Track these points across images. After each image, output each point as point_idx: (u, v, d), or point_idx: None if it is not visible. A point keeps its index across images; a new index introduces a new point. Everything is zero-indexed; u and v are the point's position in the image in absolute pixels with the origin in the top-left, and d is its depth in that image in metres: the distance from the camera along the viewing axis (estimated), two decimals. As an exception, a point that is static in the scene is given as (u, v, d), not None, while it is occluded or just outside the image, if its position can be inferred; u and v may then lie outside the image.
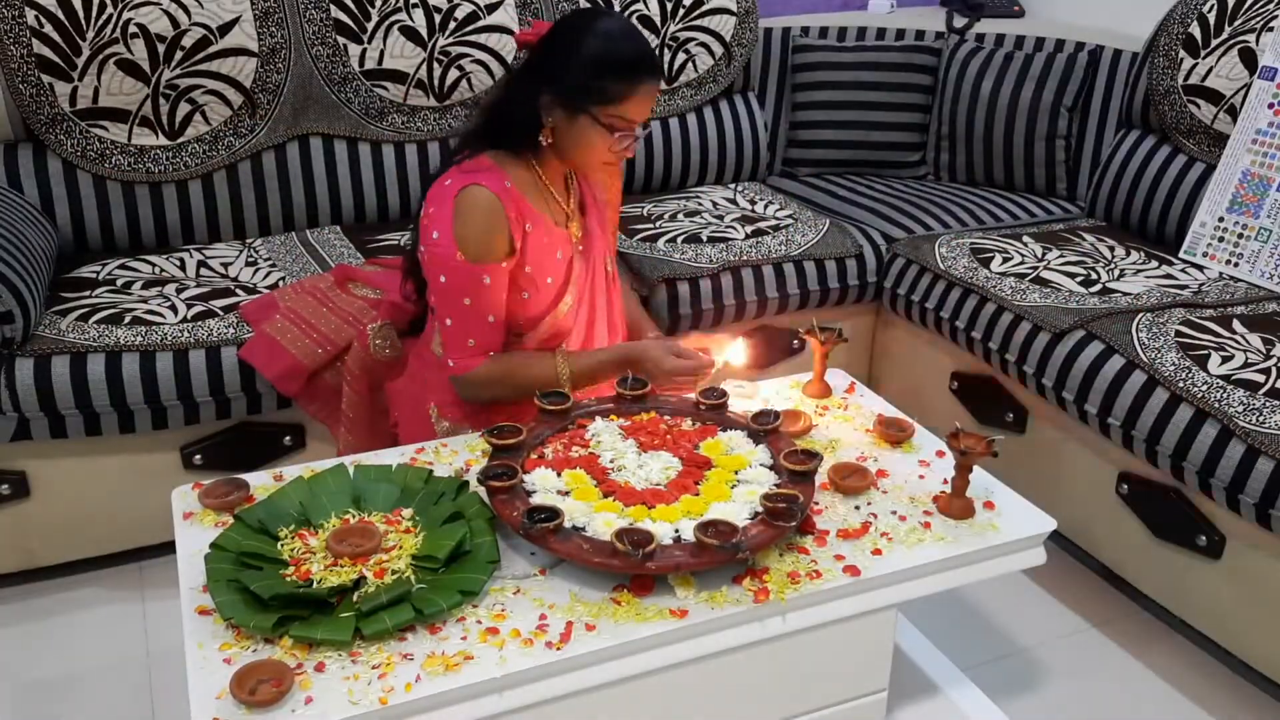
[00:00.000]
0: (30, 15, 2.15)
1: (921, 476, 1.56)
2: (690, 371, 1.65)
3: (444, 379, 1.75)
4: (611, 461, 1.49)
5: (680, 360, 1.65)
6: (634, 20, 2.67)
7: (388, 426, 1.91)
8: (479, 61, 2.53)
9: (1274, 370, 1.86)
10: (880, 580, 1.36)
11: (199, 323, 1.99)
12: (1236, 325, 2.04)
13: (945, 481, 1.53)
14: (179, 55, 2.26)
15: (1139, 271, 2.30)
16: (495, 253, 1.59)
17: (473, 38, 2.51)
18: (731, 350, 1.69)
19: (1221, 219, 2.34)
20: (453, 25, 2.48)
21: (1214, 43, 2.43)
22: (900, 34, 2.98)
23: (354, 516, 1.37)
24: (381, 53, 2.44)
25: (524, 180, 1.65)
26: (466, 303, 1.59)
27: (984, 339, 2.20)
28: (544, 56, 1.60)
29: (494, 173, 1.61)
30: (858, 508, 1.47)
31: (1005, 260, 2.35)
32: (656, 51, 1.62)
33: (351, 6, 2.41)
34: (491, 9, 2.52)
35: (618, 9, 2.65)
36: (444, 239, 1.57)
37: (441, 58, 2.49)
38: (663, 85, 2.74)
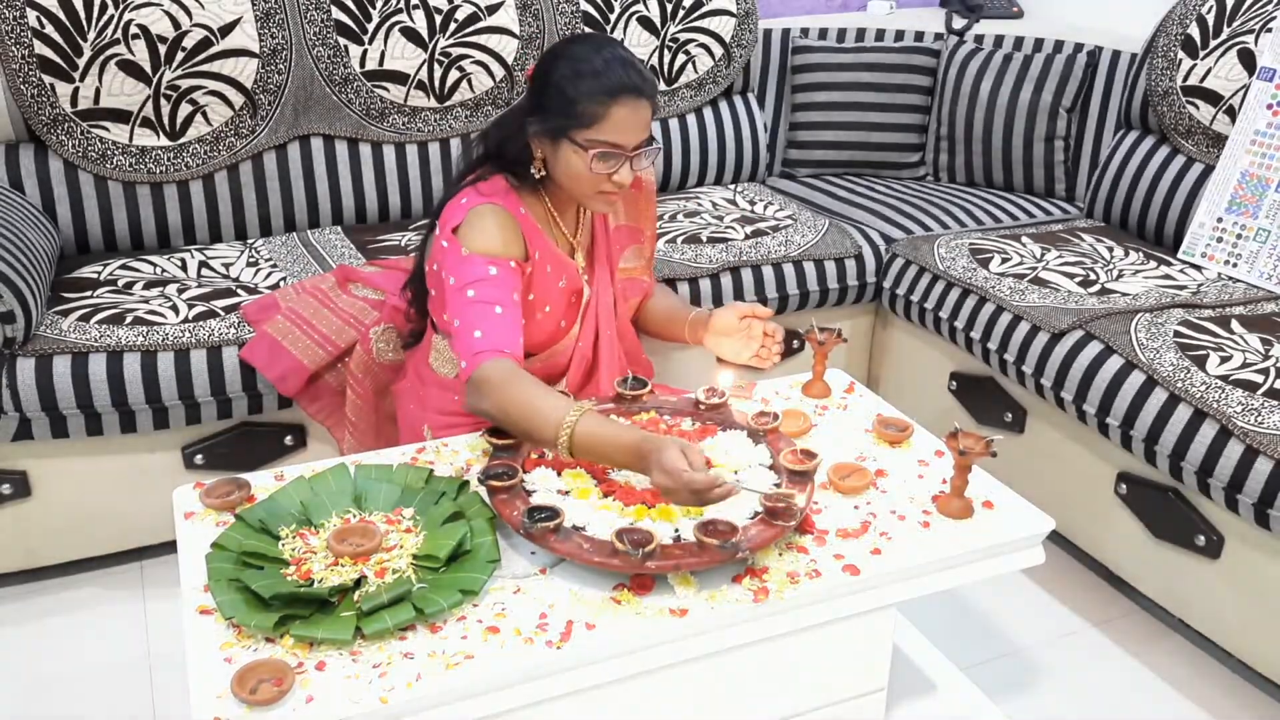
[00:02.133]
0: (31, 16, 2.15)
1: (920, 476, 1.56)
2: (697, 498, 1.31)
3: (439, 398, 1.74)
4: (612, 461, 1.49)
5: (686, 487, 1.29)
6: (634, 20, 2.67)
7: (394, 431, 1.91)
8: (480, 63, 2.53)
9: (1272, 370, 1.87)
10: (879, 580, 1.36)
11: (200, 323, 1.99)
12: (1235, 325, 2.05)
13: (944, 481, 1.53)
14: (180, 56, 2.26)
15: (1137, 272, 2.31)
16: (504, 249, 1.54)
17: (474, 39, 2.51)
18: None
19: (1220, 219, 2.34)
20: (453, 26, 2.49)
21: (1213, 44, 2.43)
22: (900, 35, 2.98)
23: (355, 516, 1.37)
24: (382, 54, 2.45)
25: (534, 209, 1.64)
26: (470, 295, 1.49)
27: (983, 339, 2.21)
28: (532, 88, 1.58)
29: (510, 196, 1.60)
30: (857, 507, 1.48)
31: (1004, 261, 2.35)
32: (645, 69, 1.53)
33: (352, 7, 2.41)
34: (492, 10, 2.52)
35: (618, 11, 2.65)
36: (451, 243, 1.56)
37: (442, 59, 2.49)
38: (662, 86, 2.74)
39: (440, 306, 1.65)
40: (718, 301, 2.32)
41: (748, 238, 2.46)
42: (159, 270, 2.22)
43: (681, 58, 2.75)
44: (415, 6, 2.45)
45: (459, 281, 1.52)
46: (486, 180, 1.63)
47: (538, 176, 1.60)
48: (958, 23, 3.03)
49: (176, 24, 2.25)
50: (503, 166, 1.64)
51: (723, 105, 2.87)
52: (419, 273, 1.75)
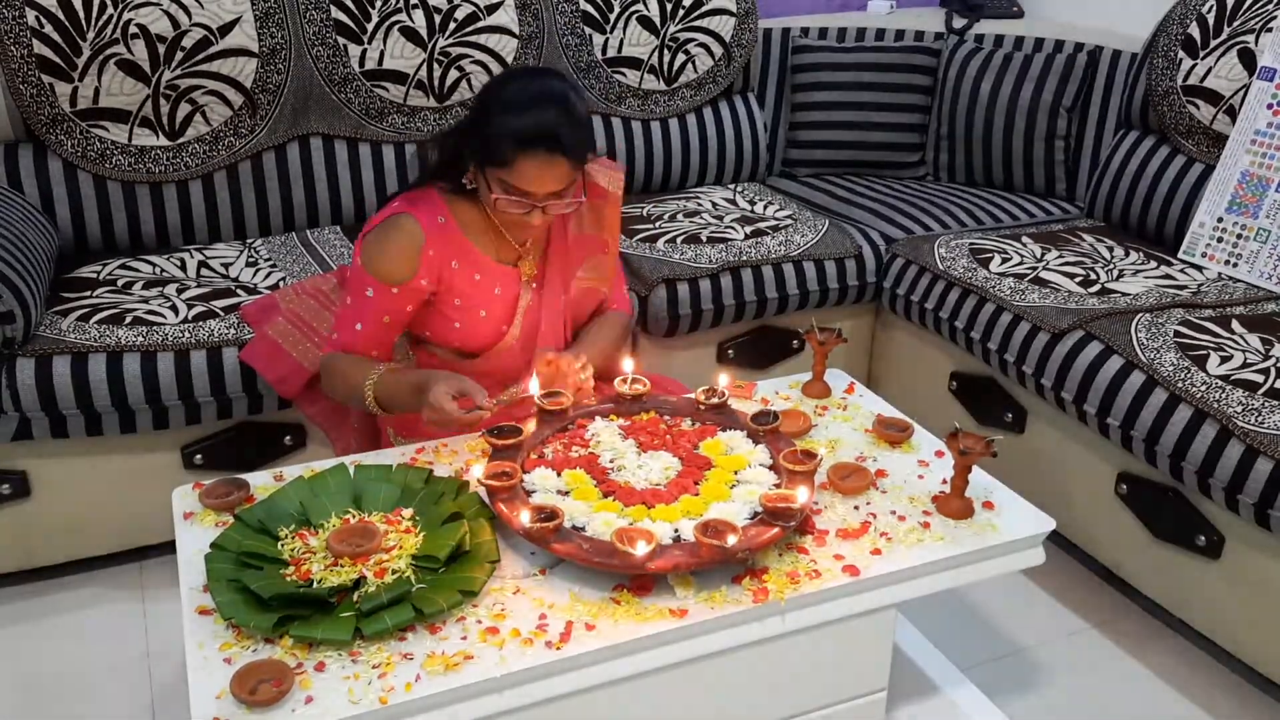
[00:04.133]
0: (30, 15, 2.15)
1: (921, 476, 1.56)
2: (447, 423, 1.50)
3: None
4: (611, 461, 1.49)
5: (443, 411, 1.49)
6: (634, 20, 2.67)
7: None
8: (479, 62, 2.53)
9: (1273, 370, 1.87)
10: (879, 580, 1.36)
11: (200, 323, 1.99)
12: (1235, 325, 2.05)
13: (944, 481, 1.53)
14: (179, 56, 2.26)
15: (1138, 272, 2.31)
16: (389, 273, 1.61)
17: (473, 38, 2.51)
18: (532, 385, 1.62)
19: (1220, 219, 2.34)
20: (453, 26, 2.49)
21: (1213, 43, 2.43)
22: (900, 34, 2.98)
23: (354, 516, 1.37)
24: (382, 53, 2.45)
25: (468, 217, 1.67)
26: (348, 301, 1.66)
27: (983, 339, 2.20)
28: (472, 108, 1.61)
29: (433, 206, 1.64)
30: (857, 508, 1.48)
31: (1004, 260, 2.35)
32: (576, 122, 1.54)
33: (351, 7, 2.41)
34: (491, 9, 2.52)
35: (618, 10, 2.65)
36: (358, 246, 1.64)
37: (441, 58, 2.49)
38: (662, 86, 2.74)
39: None
40: (717, 302, 2.32)
41: (748, 238, 2.46)
42: (158, 270, 2.22)
43: (681, 57, 2.75)
44: (414, 6, 2.45)
45: (346, 286, 1.68)
46: (419, 189, 1.67)
47: (469, 188, 1.66)
48: (958, 22, 3.03)
49: (175, 24, 2.24)
50: (439, 175, 1.67)
51: (723, 105, 2.87)
52: None
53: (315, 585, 1.24)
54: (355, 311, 1.65)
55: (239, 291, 2.13)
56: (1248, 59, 2.36)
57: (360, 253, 1.63)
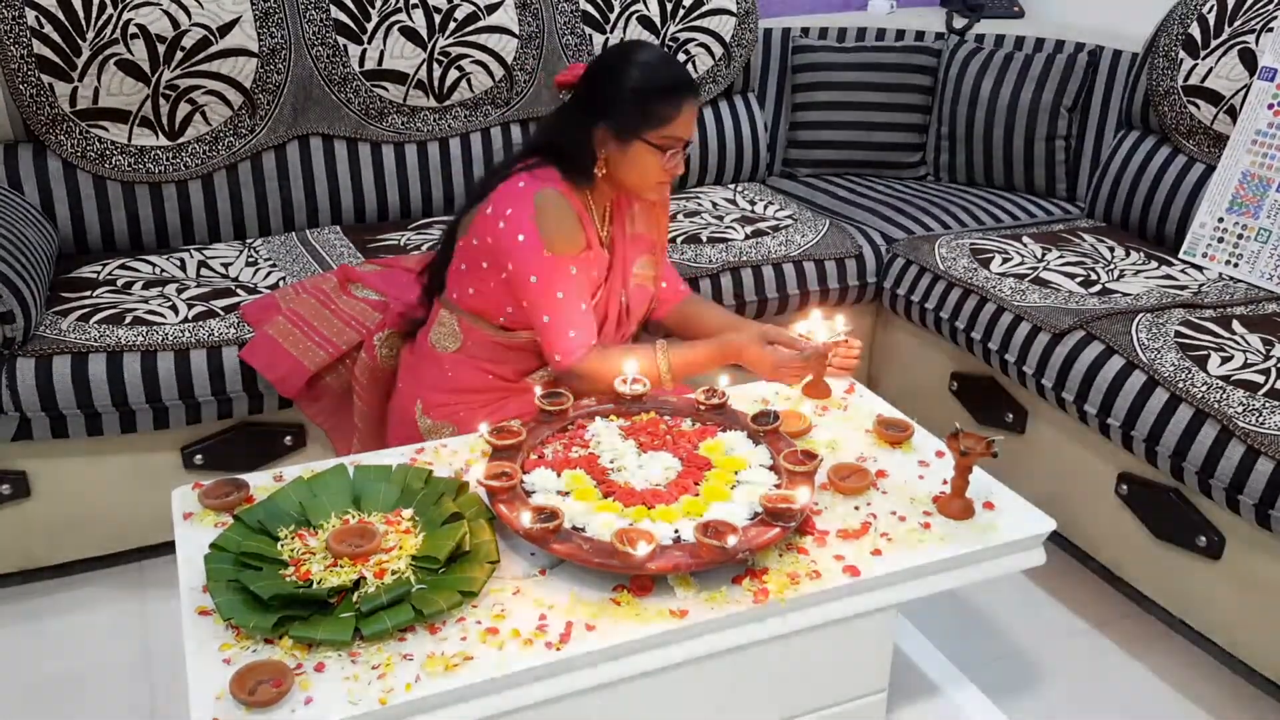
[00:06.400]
0: (30, 15, 2.15)
1: (921, 477, 1.56)
2: (795, 364, 1.70)
3: (433, 373, 1.78)
4: (611, 462, 1.49)
5: (784, 353, 1.71)
6: (634, 20, 2.67)
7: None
8: (479, 62, 2.53)
9: (1273, 371, 1.86)
10: (880, 580, 1.36)
11: (200, 323, 1.99)
12: (1236, 326, 2.04)
13: (945, 482, 1.53)
14: (179, 56, 2.26)
15: (1138, 272, 2.31)
16: (577, 244, 1.68)
17: (473, 38, 2.51)
18: (826, 328, 1.76)
19: (1221, 219, 2.34)
20: (452, 26, 2.49)
21: (1214, 43, 2.43)
22: (900, 34, 2.98)
23: (354, 517, 1.37)
24: (381, 53, 2.44)
25: (577, 203, 1.73)
26: (560, 296, 1.66)
27: (984, 339, 2.20)
28: (589, 94, 1.68)
29: (557, 181, 1.70)
30: (857, 508, 1.47)
31: (1005, 261, 2.35)
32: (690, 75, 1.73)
33: (351, 7, 2.41)
34: (491, 9, 2.52)
35: (618, 10, 2.65)
36: (530, 239, 1.64)
37: (441, 58, 2.49)
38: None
39: (467, 281, 1.75)
40: (718, 302, 2.32)
41: (748, 238, 2.46)
42: (158, 270, 2.22)
43: (681, 57, 2.75)
44: (414, 6, 2.45)
45: (544, 281, 1.66)
46: (541, 168, 1.71)
47: (600, 175, 1.70)
48: (958, 22, 3.03)
49: (175, 23, 2.24)
50: (555, 162, 1.72)
51: (723, 105, 2.87)
52: (447, 249, 1.82)
53: (315, 586, 1.24)
54: (571, 299, 1.67)
55: (239, 291, 2.13)
56: (1248, 59, 2.36)
57: (546, 245, 1.64)
